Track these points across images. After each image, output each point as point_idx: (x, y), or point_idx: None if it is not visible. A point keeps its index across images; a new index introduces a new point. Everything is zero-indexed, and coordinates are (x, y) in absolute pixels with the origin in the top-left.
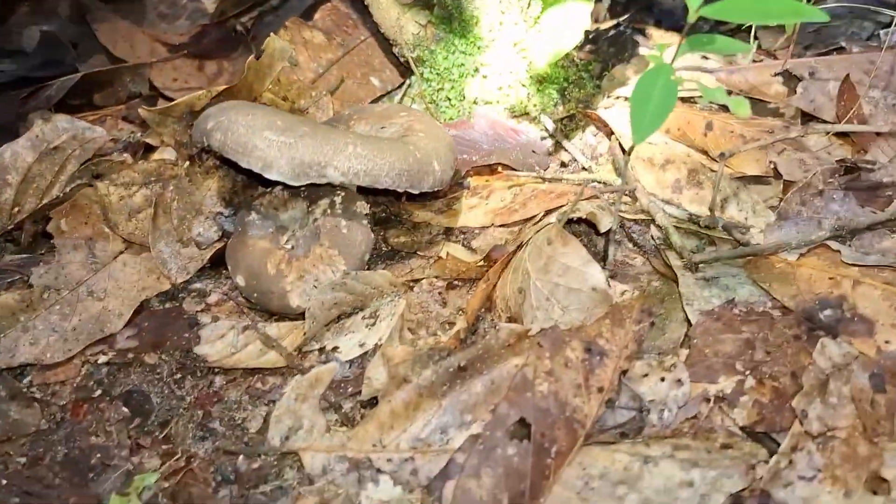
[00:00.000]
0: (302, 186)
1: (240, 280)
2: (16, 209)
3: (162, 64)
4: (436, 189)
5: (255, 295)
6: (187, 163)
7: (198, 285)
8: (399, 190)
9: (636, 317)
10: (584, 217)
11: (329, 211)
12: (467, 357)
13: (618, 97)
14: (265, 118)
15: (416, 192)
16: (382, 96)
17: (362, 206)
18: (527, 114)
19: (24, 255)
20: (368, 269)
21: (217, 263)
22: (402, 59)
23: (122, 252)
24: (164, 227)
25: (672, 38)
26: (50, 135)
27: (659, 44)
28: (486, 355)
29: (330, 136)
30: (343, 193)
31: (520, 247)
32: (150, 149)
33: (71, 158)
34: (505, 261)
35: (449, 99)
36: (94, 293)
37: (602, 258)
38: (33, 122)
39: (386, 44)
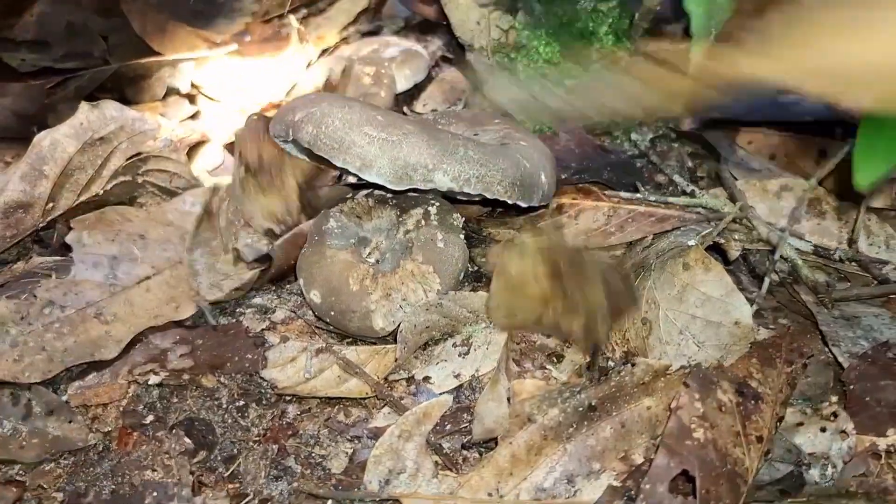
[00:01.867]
0: (392, 193)
1: (314, 296)
2: (50, 205)
3: (204, 60)
4: (542, 204)
5: (333, 313)
6: (242, 169)
7: (259, 300)
8: (509, 201)
9: (786, 357)
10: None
11: (423, 222)
12: (598, 395)
13: (711, 119)
14: (364, 112)
15: (524, 204)
16: (455, 103)
17: (458, 219)
18: (609, 133)
19: (57, 259)
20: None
21: (279, 278)
22: (475, 67)
23: (147, 278)
24: (205, 234)
25: None
26: (96, 123)
27: None
28: (618, 394)
29: (439, 136)
30: (438, 203)
31: (635, 272)
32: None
33: (116, 151)
34: None
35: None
36: (102, 316)
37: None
38: (62, 113)
39: (458, 48)
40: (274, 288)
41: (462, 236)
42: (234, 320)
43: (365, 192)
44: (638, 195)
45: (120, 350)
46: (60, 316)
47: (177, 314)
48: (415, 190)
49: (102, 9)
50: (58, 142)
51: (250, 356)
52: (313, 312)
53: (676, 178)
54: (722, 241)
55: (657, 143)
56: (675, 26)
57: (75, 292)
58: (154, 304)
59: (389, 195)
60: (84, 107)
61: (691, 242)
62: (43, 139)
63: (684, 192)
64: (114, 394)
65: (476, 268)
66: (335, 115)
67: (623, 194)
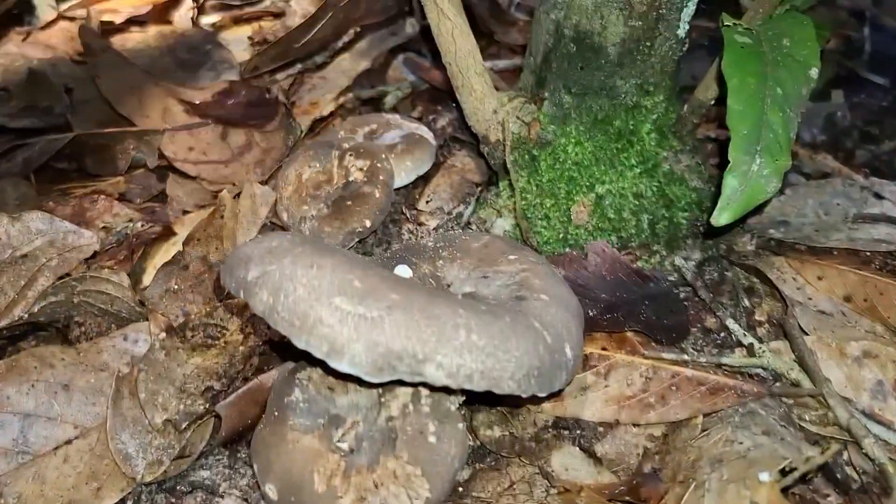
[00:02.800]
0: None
1: (270, 490)
2: None
3: (176, 129)
4: (566, 385)
5: None
6: (163, 335)
7: (205, 474)
8: (524, 396)
9: None
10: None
11: (412, 408)
12: None
13: (771, 240)
14: (337, 274)
15: (544, 395)
16: (466, 200)
17: (456, 402)
18: (647, 246)
19: None
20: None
21: (232, 441)
22: (490, 162)
23: (68, 442)
24: (129, 413)
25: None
26: (18, 238)
27: None
28: None
29: (432, 312)
30: None
31: (681, 482)
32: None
33: (44, 269)
34: (660, 501)
35: (548, 218)
36: (2, 497)
37: None
38: (4, 191)
39: (468, 135)
40: (227, 453)
41: (461, 426)
42: (173, 500)
43: None
44: (684, 356)
45: None
46: None
47: (97, 500)
48: (399, 382)
49: (76, 51)
50: None
51: None
52: None
53: (730, 323)
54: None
55: (706, 268)
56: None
57: None
58: (71, 481)
59: None
60: (3, 219)
61: (763, 477)
62: None
63: (740, 344)
64: None
65: (478, 442)
66: (299, 278)
67: (665, 355)
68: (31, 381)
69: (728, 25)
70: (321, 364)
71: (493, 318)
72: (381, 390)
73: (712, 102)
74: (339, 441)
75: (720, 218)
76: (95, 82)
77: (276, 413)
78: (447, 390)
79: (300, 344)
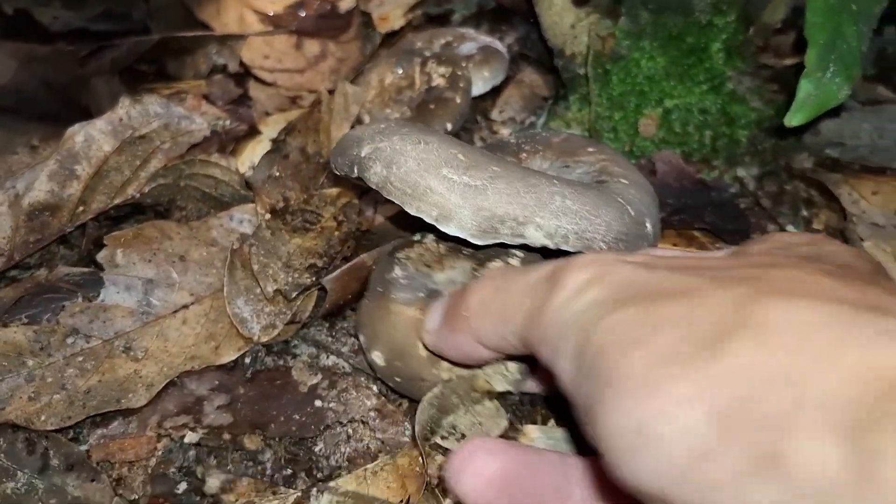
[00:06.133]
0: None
1: (377, 357)
2: (80, 209)
3: (255, 37)
4: None
5: (398, 380)
6: (268, 215)
7: (310, 341)
8: None
9: None
10: None
11: None
12: None
13: (827, 158)
14: (442, 149)
15: None
16: (536, 112)
17: None
18: (707, 161)
19: (85, 271)
20: None
21: (333, 314)
22: (563, 76)
23: (185, 307)
24: (242, 282)
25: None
26: (137, 120)
27: None
28: None
29: (530, 181)
30: (521, 255)
31: None
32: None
33: (158, 152)
34: None
35: (615, 130)
36: (132, 350)
37: None
38: (96, 87)
39: (537, 43)
40: (327, 325)
41: None
42: (281, 362)
43: (433, 236)
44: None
45: (150, 397)
46: (85, 347)
47: (216, 357)
48: (500, 244)
49: None
50: (93, 138)
51: (297, 417)
52: (376, 373)
53: (791, 229)
54: None
55: (766, 181)
56: (785, 38)
57: (103, 319)
58: (191, 340)
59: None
60: (125, 101)
61: None
62: (76, 133)
63: None
64: (140, 449)
65: None
66: (408, 153)
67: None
68: (153, 249)
69: None
70: (432, 230)
71: (584, 188)
72: (475, 264)
73: (778, 26)
74: None
75: (793, 119)
76: None
77: (380, 289)
78: (544, 253)
79: (412, 210)
